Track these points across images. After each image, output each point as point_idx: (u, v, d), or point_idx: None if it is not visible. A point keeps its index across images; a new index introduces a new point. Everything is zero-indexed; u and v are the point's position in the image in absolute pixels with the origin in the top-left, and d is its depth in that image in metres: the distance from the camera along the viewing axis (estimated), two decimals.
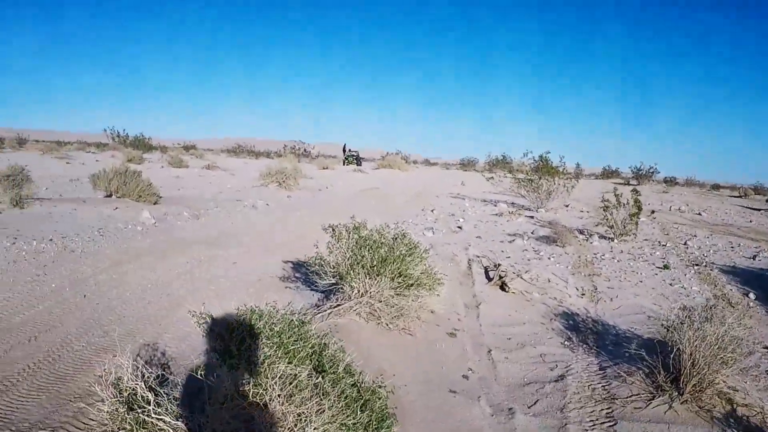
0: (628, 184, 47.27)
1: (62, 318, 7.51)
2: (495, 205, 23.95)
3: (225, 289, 9.30)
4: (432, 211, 21.27)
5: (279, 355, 4.32)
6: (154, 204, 17.37)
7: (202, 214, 16.72)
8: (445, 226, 17.40)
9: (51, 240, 11.08)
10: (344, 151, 70.51)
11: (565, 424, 5.58)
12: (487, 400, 6.10)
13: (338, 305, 7.55)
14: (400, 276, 7.81)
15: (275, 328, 4.59)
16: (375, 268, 7.70)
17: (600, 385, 6.45)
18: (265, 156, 74.38)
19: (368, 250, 7.80)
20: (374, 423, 4.19)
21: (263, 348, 4.34)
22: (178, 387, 5.54)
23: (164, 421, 4.31)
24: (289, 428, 3.97)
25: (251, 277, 9.95)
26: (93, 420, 5.09)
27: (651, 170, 55.84)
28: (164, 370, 5.32)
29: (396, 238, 8.23)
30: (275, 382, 4.06)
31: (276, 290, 9.23)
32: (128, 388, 4.74)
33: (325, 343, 4.78)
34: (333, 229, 8.31)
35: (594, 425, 5.58)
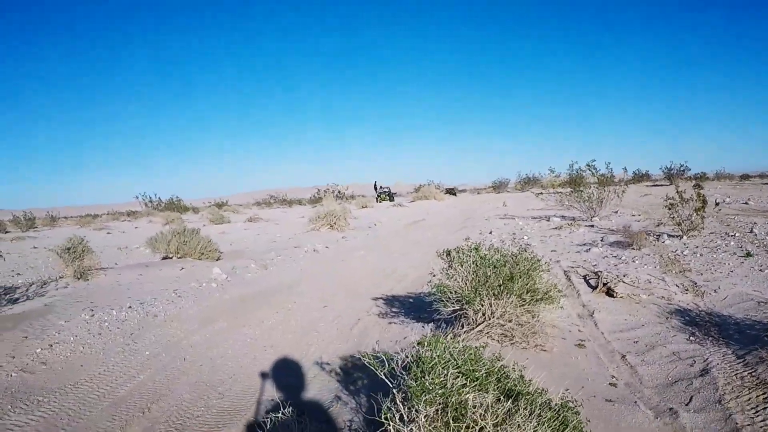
0: (662, 185, 46.60)
1: (169, 385, 7.24)
2: (548, 220, 23.66)
3: (329, 333, 9.06)
4: (490, 233, 20.95)
5: (467, 383, 3.93)
6: (217, 260, 17.19)
7: (268, 264, 16.49)
8: (514, 246, 17.09)
9: (130, 308, 10.85)
10: (376, 188, 70.93)
11: (730, 416, 5.37)
12: (644, 403, 5.90)
13: (469, 330, 7.22)
14: (528, 292, 7.53)
15: (458, 360, 4.16)
16: (501, 286, 7.40)
17: (746, 372, 6.25)
18: (297, 203, 74.86)
19: (492, 269, 7.46)
20: None
21: (450, 379, 3.92)
22: None
23: None
24: None
25: (349, 318, 9.70)
26: None
27: (682, 168, 55.31)
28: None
29: (519, 253, 7.94)
30: (484, 412, 3.66)
31: (382, 328, 9.01)
32: None
33: (502, 366, 4.38)
34: (448, 253, 8.00)
35: (757, 412, 5.38)
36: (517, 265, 7.63)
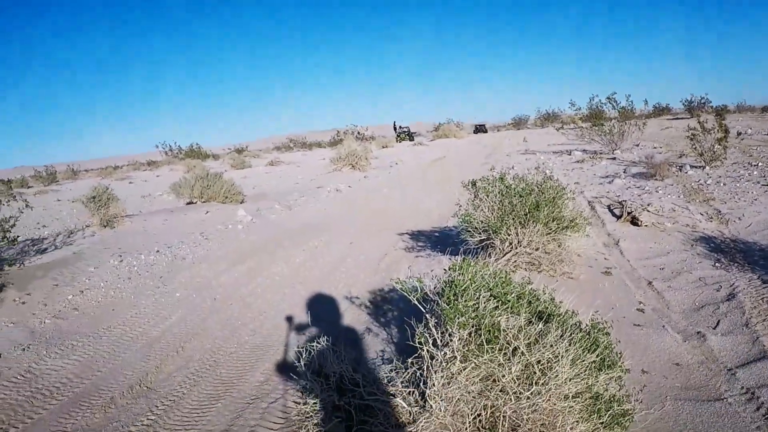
0: (683, 118, 45.99)
1: (201, 324, 7.32)
2: (569, 154, 23.57)
3: (356, 268, 9.12)
4: (512, 168, 20.84)
5: (499, 306, 3.93)
6: (241, 203, 17.27)
7: (292, 205, 16.55)
8: (539, 175, 17.02)
9: (158, 251, 10.96)
10: (395, 128, 70.33)
11: (758, 338, 5.43)
12: (672, 327, 5.97)
13: (497, 259, 7.22)
14: (554, 220, 7.57)
15: (489, 283, 4.15)
16: (527, 215, 7.43)
17: None
18: (318, 146, 74.60)
19: (518, 198, 7.47)
20: (607, 360, 3.84)
21: (482, 301, 3.91)
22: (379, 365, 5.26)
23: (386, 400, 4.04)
24: (534, 379, 3.59)
25: (375, 253, 9.74)
26: (283, 417, 4.78)
27: (702, 101, 54.37)
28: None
29: (544, 181, 7.91)
30: (517, 332, 3.68)
31: (409, 260, 9.06)
32: (334, 373, 4.39)
33: (532, 289, 4.37)
34: (474, 184, 7.98)
35: None
36: (542, 193, 7.63)
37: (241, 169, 36.48)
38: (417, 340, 3.99)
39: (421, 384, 4.01)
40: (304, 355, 4.64)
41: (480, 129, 76.41)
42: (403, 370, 4.20)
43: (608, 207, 11.45)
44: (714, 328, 5.82)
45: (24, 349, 6.75)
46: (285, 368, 5.65)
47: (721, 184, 12.54)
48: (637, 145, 23.46)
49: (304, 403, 4.58)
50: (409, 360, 4.18)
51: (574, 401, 3.62)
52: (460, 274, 4.15)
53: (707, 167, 14.90)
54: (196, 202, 17.49)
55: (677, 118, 47.59)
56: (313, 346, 4.70)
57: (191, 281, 9.13)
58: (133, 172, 48.31)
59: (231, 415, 4.99)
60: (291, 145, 75.28)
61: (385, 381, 4.41)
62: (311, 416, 4.40)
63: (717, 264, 7.65)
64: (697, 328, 5.87)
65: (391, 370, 4.43)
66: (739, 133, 21.22)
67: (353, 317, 6.97)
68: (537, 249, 7.39)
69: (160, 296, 8.51)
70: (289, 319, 7.05)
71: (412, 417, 4.00)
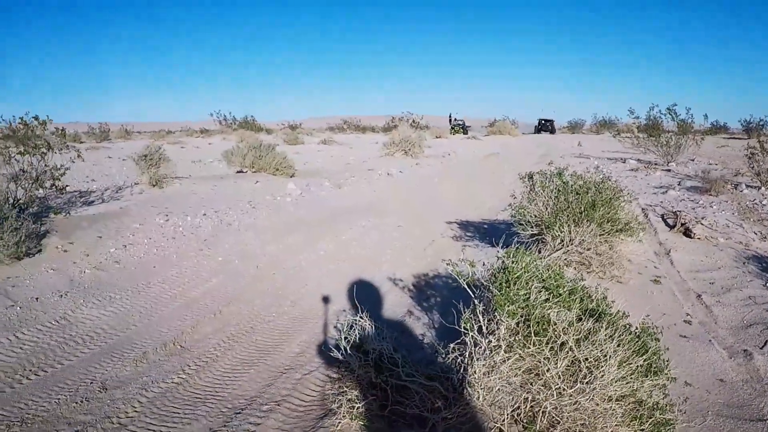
0: (739, 138, 45.19)
1: (242, 290, 7.34)
2: (624, 162, 23.37)
3: (403, 251, 9.07)
4: (567, 168, 20.66)
5: (550, 299, 3.83)
6: (291, 177, 17.29)
7: (342, 184, 16.51)
8: (597, 175, 16.89)
9: (205, 215, 11.00)
10: (450, 120, 70.19)
11: None
12: (719, 343, 5.85)
13: (547, 255, 7.10)
14: (608, 221, 7.50)
15: (543, 274, 4.04)
16: (582, 214, 7.35)
17: None
18: (371, 130, 74.58)
19: (574, 195, 7.38)
20: (654, 364, 3.77)
21: (534, 292, 3.81)
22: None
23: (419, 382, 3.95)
24: (579, 377, 3.53)
25: (423, 239, 9.67)
26: (316, 390, 4.73)
27: (761, 122, 53.40)
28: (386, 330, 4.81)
29: (602, 181, 7.84)
30: (567, 327, 3.58)
31: (455, 250, 8.96)
32: (373, 350, 4.31)
33: (584, 286, 4.25)
34: (531, 177, 7.89)
35: None
36: (599, 193, 7.55)
37: (293, 145, 36.55)
38: (463, 325, 3.91)
39: (462, 370, 3.93)
40: (344, 329, 4.57)
41: (545, 127, 72.69)
42: (444, 355, 4.10)
43: (662, 216, 11.34)
44: (761, 348, 5.70)
45: (61, 296, 6.82)
46: (323, 342, 5.63)
47: None
48: (693, 160, 23.21)
49: (340, 378, 4.52)
50: (451, 345, 4.09)
51: (618, 404, 3.54)
52: (514, 261, 4.05)
53: (763, 188, 14.64)
54: (246, 172, 17.57)
55: (733, 138, 47.01)
56: (354, 321, 4.62)
57: (235, 247, 9.14)
58: (186, 138, 48.76)
59: (263, 383, 4.96)
60: (345, 126, 75.39)
61: (425, 363, 4.32)
62: (345, 391, 4.32)
63: None
64: (744, 346, 5.76)
65: (432, 354, 4.35)
66: None
67: (396, 299, 6.92)
68: (588, 249, 7.29)
69: (202, 258, 8.54)
70: (331, 295, 7.00)
71: (449, 402, 3.92)
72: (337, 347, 4.53)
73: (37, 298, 6.67)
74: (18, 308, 6.35)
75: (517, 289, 3.80)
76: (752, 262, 8.37)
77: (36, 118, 10.60)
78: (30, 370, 5.10)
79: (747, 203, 12.54)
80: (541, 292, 3.87)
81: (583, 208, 7.37)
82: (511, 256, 4.10)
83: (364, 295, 6.94)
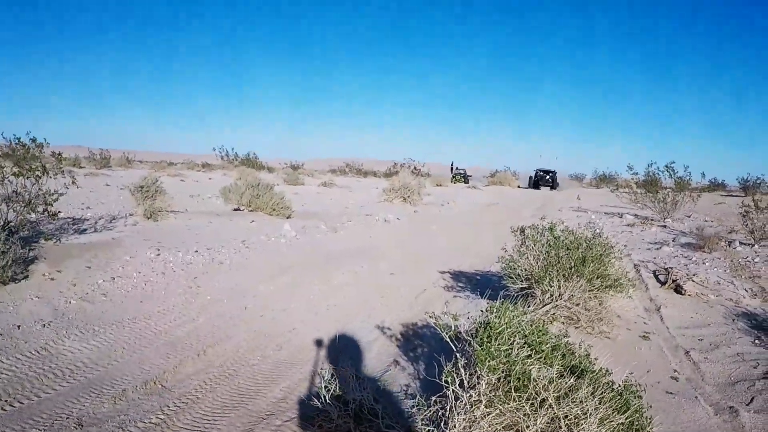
0: (737, 196, 45.69)
1: (227, 331, 7.31)
2: (621, 217, 23.57)
3: (393, 299, 9.09)
4: (563, 223, 20.74)
5: (532, 355, 3.86)
6: (288, 218, 17.31)
7: (339, 227, 16.54)
8: (588, 230, 17.03)
9: (197, 251, 11.00)
10: (452, 169, 70.69)
11: None
12: (705, 399, 5.92)
13: (536, 309, 7.16)
14: (598, 277, 7.62)
15: (525, 329, 4.06)
16: (572, 269, 7.47)
17: None
18: (372, 175, 74.92)
19: (565, 251, 7.53)
20: (636, 423, 3.79)
21: (516, 348, 3.83)
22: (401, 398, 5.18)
23: None
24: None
25: (415, 287, 9.70)
26: None
27: (758, 181, 54.00)
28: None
29: (593, 237, 8.05)
30: (548, 384, 3.59)
31: (446, 299, 9.01)
32: (354, 400, 4.29)
33: (568, 342, 4.28)
34: (522, 231, 7.99)
35: None
36: (590, 249, 7.69)
37: (293, 185, 36.66)
38: (444, 378, 3.92)
39: (442, 424, 3.93)
40: (326, 378, 4.56)
41: (543, 180, 61.64)
42: (426, 408, 4.10)
43: (654, 272, 11.46)
44: (747, 405, 5.76)
45: (44, 326, 6.82)
46: (307, 389, 5.59)
47: None
48: (689, 217, 23.38)
49: (319, 426, 4.49)
50: (433, 398, 4.08)
51: None
52: (496, 316, 4.08)
53: (756, 245, 14.75)
54: (243, 210, 17.60)
55: (731, 195, 47.48)
56: (337, 369, 4.62)
57: (225, 287, 9.13)
58: (187, 171, 48.91)
59: (242, 428, 4.94)
60: (346, 169, 75.77)
61: (406, 416, 4.30)
62: None
63: (757, 341, 7.58)
64: (731, 402, 5.82)
65: (413, 406, 4.34)
66: None
67: (383, 347, 6.92)
68: (578, 304, 7.37)
69: (191, 296, 8.52)
70: (318, 340, 7.00)
71: None
72: (318, 396, 4.51)
73: (18, 326, 6.65)
74: None
75: (499, 344, 3.81)
76: (742, 319, 8.48)
77: (33, 140, 10.63)
78: (5, 401, 5.07)
79: (740, 260, 12.62)
80: (523, 347, 3.89)
81: (573, 264, 7.47)
82: (495, 311, 4.11)
83: (352, 342, 6.96)
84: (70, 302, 7.66)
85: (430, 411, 4.03)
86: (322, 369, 5.74)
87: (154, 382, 5.67)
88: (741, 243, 14.89)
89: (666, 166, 23.97)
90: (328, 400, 4.38)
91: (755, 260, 12.59)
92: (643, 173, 24.80)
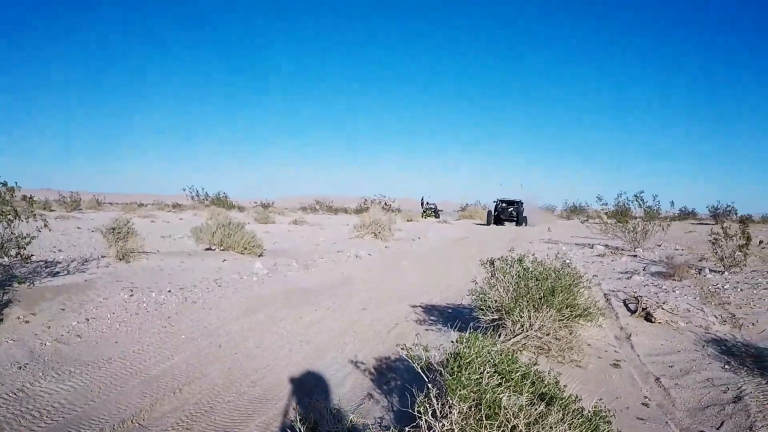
0: (722, 227, 45.97)
1: (202, 369, 7.36)
2: (591, 248, 23.85)
3: (366, 334, 9.16)
4: (533, 254, 20.92)
5: (502, 383, 3.98)
6: (260, 256, 17.37)
7: (310, 265, 16.60)
8: (557, 261, 17.17)
9: (170, 291, 11.05)
10: (422, 204, 71.05)
11: None
12: (675, 424, 6.01)
13: (507, 340, 7.28)
14: (568, 307, 7.75)
15: (495, 359, 4.20)
16: (542, 299, 7.62)
17: None
18: (343, 212, 75.07)
19: (534, 282, 7.67)
20: None
21: (485, 377, 3.95)
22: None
23: None
24: None
25: (387, 322, 9.80)
26: None
27: (728, 209, 54.68)
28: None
29: (562, 268, 8.21)
30: (518, 411, 3.72)
31: (419, 333, 9.06)
32: None
33: (537, 370, 4.41)
34: (492, 263, 8.14)
35: None
36: (559, 279, 7.84)
37: (264, 223, 36.65)
38: (416, 409, 4.02)
39: None
40: (300, 411, 4.66)
41: (507, 213, 52.18)
42: None
43: (624, 301, 11.63)
44: (717, 429, 5.87)
45: (20, 368, 6.83)
46: (281, 423, 5.65)
47: (738, 290, 12.56)
48: (660, 246, 23.64)
49: None
50: (407, 429, 4.17)
51: None
52: (466, 346, 4.20)
53: (726, 272, 14.98)
54: (214, 249, 17.62)
55: (702, 223, 48.10)
56: (312, 403, 4.72)
57: (199, 325, 9.18)
58: (158, 212, 48.78)
59: None
60: (317, 206, 75.78)
61: None
62: None
63: (726, 366, 7.71)
64: (700, 427, 5.93)
65: None
66: (761, 242, 21.35)
67: (356, 381, 6.98)
68: (548, 334, 7.49)
69: (165, 336, 8.56)
70: (292, 376, 7.07)
71: None
72: (293, 429, 4.61)
73: None
74: None
75: (469, 373, 3.93)
76: (711, 345, 8.62)
77: (5, 184, 10.66)
78: None
79: (709, 287, 12.81)
80: (493, 376, 4.01)
81: (542, 294, 7.60)
82: (465, 341, 4.24)
83: (325, 377, 7.03)
84: (45, 344, 7.68)
85: None
86: (296, 404, 5.82)
87: (131, 421, 5.72)
88: (711, 270, 15.11)
89: (635, 195, 24.33)
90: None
91: (725, 287, 12.80)
92: (613, 203, 25.14)
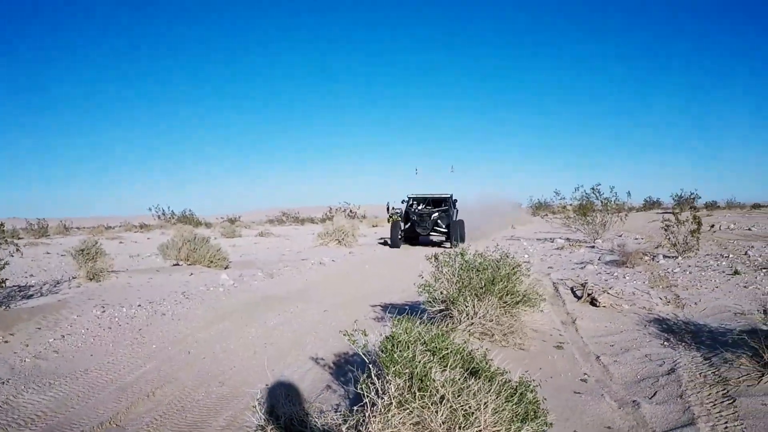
0: (672, 212, 46.69)
1: (173, 374, 7.78)
2: (552, 242, 24.30)
3: (326, 333, 9.59)
4: (474, 249, 21.36)
5: (436, 361, 4.47)
6: (225, 268, 17.73)
7: (275, 273, 16.97)
8: (497, 253, 17.59)
9: (140, 306, 11.42)
10: (388, 209, 70.61)
11: (689, 407, 5.84)
12: (610, 396, 6.42)
13: (452, 329, 7.76)
14: (508, 294, 8.26)
15: (425, 338, 4.72)
16: (483, 288, 8.13)
17: (710, 371, 6.75)
18: (310, 221, 74.98)
19: (475, 273, 8.20)
20: (531, 413, 4.37)
21: (419, 356, 4.46)
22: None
23: None
24: (459, 424, 4.12)
25: (347, 321, 10.13)
26: None
27: (692, 196, 54.78)
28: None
29: (501, 259, 8.73)
30: (445, 382, 4.20)
31: (376, 328, 9.42)
32: (284, 414, 4.90)
33: (470, 350, 4.93)
34: (436, 258, 8.64)
35: (714, 404, 5.87)
36: (498, 269, 8.34)
37: (230, 237, 36.86)
38: (359, 387, 4.52)
39: (363, 429, 4.46)
40: (258, 397, 5.16)
41: (425, 221, 28.23)
42: (350, 416, 4.68)
43: (571, 288, 12.04)
44: (650, 398, 6.26)
45: (3, 383, 7.22)
46: (246, 415, 6.12)
47: (688, 273, 13.06)
48: (620, 236, 24.03)
49: None
50: (355, 408, 4.67)
51: None
52: (399, 329, 4.72)
53: (680, 257, 15.45)
54: (182, 264, 17.93)
55: (667, 212, 48.54)
56: (269, 390, 5.22)
57: (168, 335, 9.57)
58: (125, 233, 48.66)
59: None
60: (284, 218, 75.63)
61: (332, 425, 4.90)
62: None
63: (665, 343, 8.13)
64: (634, 397, 6.31)
65: (339, 416, 4.94)
66: (712, 226, 21.88)
67: (316, 375, 7.45)
68: (491, 321, 7.96)
69: (137, 346, 8.96)
70: (255, 374, 7.48)
71: None
72: (253, 412, 5.12)
73: None
74: None
75: (401, 350, 4.45)
76: (653, 325, 9.05)
77: None
78: None
79: (660, 272, 13.30)
80: (424, 353, 4.53)
81: (483, 284, 8.10)
82: (396, 324, 4.78)
83: (288, 374, 7.48)
84: (24, 361, 8.08)
85: (354, 419, 4.64)
86: (260, 398, 6.31)
87: (110, 422, 6.15)
88: (665, 256, 15.64)
89: (592, 188, 24.72)
90: (261, 416, 4.98)
91: (675, 271, 13.29)
92: (571, 197, 25.55)
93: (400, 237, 28.41)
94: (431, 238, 30.26)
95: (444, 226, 27.96)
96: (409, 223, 29.55)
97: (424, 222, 27.72)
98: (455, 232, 25.96)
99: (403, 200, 32.61)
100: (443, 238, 29.00)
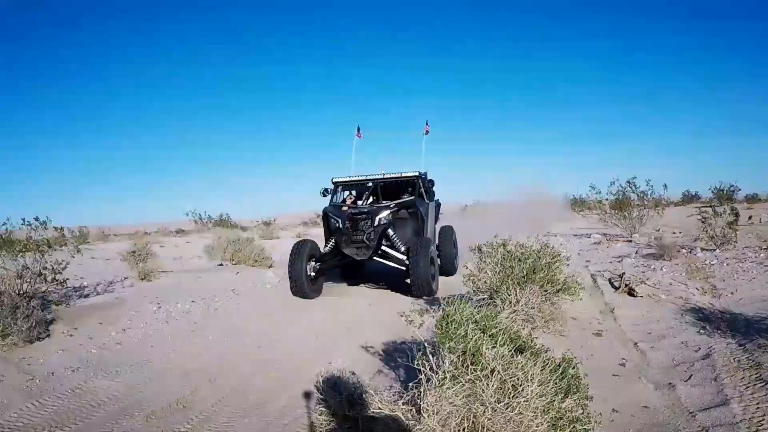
0: (711, 206, 45.81)
1: (231, 362, 8.20)
2: (589, 237, 23.87)
3: (374, 325, 9.91)
4: (514, 239, 21.36)
5: (486, 338, 4.79)
6: (270, 267, 18.08)
7: None
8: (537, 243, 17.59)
9: (193, 302, 11.84)
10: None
11: (722, 389, 6.08)
12: (647, 379, 6.66)
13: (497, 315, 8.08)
14: (549, 282, 8.56)
15: (476, 317, 5.06)
16: (525, 277, 8.43)
17: (744, 357, 6.95)
18: None
19: (517, 262, 8.48)
20: (573, 387, 4.67)
21: (470, 331, 4.79)
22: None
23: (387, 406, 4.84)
24: (508, 394, 4.39)
25: (392, 314, 10.35)
26: (302, 430, 5.69)
27: (732, 189, 53.27)
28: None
29: (541, 248, 9.02)
30: (495, 356, 4.51)
31: (412, 311, 9.73)
32: (346, 390, 5.26)
33: (511, 327, 5.26)
34: (479, 249, 8.90)
35: (747, 387, 6.08)
36: (539, 258, 8.66)
37: (269, 239, 37.22)
38: (415, 362, 4.86)
39: (418, 401, 4.77)
40: (322, 375, 5.53)
41: (355, 236, 12.95)
42: (405, 393, 5.02)
43: (609, 280, 12.09)
44: (685, 381, 6.50)
45: (73, 371, 7.68)
46: (307, 395, 6.46)
47: (725, 265, 13.02)
48: (658, 230, 23.89)
49: (320, 414, 5.42)
50: (410, 384, 5.02)
51: (542, 418, 4.33)
52: (452, 309, 5.08)
53: (717, 250, 15.26)
54: (225, 265, 18.34)
55: (706, 206, 47.78)
56: (331, 371, 5.60)
57: (223, 328, 10.00)
58: (163, 237, 49.23)
59: (257, 428, 5.89)
60: (318, 220, 75.84)
61: (389, 400, 5.24)
62: (323, 425, 5.27)
63: (702, 331, 8.29)
64: (670, 380, 6.56)
65: (394, 393, 5.29)
66: (750, 218, 21.67)
67: (367, 362, 7.78)
68: (533, 308, 8.18)
69: (194, 338, 9.40)
70: (310, 361, 7.79)
71: (408, 427, 4.82)
72: (317, 389, 5.49)
73: (52, 373, 7.50)
74: (37, 381, 7.20)
75: (455, 328, 4.79)
76: (690, 314, 9.20)
77: (37, 218, 11.53)
78: (55, 428, 6.00)
79: (697, 264, 13.27)
80: (475, 331, 4.86)
81: (525, 273, 8.41)
82: (450, 304, 5.13)
83: (339, 360, 7.80)
84: (90, 351, 8.54)
85: (409, 395, 4.98)
86: (317, 382, 6.65)
87: (176, 404, 6.58)
88: (702, 249, 15.42)
89: (628, 182, 24.31)
90: (324, 391, 5.35)
91: (712, 263, 13.22)
92: (605, 192, 25.18)
93: (311, 273, 13.23)
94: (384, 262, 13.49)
95: (401, 242, 13.19)
96: (332, 239, 14.47)
97: (357, 232, 13.07)
98: (424, 257, 11.94)
99: (326, 189, 15.72)
100: (402, 267, 12.77)
